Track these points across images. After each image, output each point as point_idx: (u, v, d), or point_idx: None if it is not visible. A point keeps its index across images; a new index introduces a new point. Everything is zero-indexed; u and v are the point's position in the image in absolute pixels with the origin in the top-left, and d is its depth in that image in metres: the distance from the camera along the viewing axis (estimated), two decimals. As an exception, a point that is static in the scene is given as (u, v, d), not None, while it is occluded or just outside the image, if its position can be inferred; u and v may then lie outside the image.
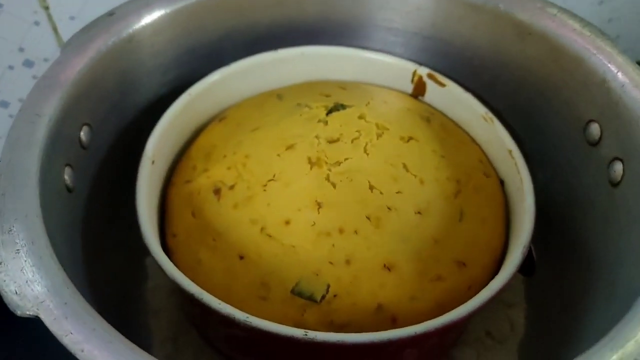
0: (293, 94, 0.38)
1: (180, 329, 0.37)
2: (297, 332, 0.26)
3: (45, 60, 0.45)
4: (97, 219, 0.33)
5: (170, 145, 0.36)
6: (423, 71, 0.40)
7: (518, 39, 0.37)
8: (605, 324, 0.31)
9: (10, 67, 0.45)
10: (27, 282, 0.22)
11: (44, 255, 0.23)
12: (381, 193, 0.31)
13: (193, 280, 0.31)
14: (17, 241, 0.23)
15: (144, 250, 0.31)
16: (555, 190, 0.38)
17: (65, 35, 0.45)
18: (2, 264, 0.22)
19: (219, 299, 0.30)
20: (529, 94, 0.38)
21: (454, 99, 0.39)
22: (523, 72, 0.38)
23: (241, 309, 0.29)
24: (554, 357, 0.36)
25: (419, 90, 0.41)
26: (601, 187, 0.33)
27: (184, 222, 0.33)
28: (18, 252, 0.23)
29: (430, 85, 0.40)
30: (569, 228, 0.36)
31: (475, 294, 0.31)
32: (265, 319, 0.29)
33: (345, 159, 0.32)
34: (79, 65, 0.32)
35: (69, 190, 0.30)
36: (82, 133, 0.32)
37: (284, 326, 0.26)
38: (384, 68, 0.41)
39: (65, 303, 0.21)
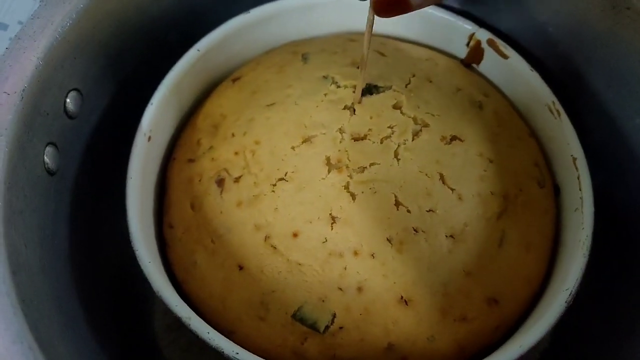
0: (320, 56, 0.32)
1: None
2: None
3: (20, 23, 0.39)
4: (86, 205, 0.29)
5: (172, 114, 0.31)
6: (483, 36, 0.33)
7: (611, 12, 0.29)
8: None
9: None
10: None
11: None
12: (409, 211, 0.26)
13: (187, 283, 0.28)
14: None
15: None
16: (618, 195, 0.32)
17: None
18: None
19: (214, 310, 0.27)
20: (611, 81, 0.31)
21: (515, 76, 0.32)
22: (608, 54, 0.30)
23: (237, 327, 0.26)
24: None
25: (474, 57, 0.34)
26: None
27: (182, 213, 0.29)
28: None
29: (489, 53, 0.33)
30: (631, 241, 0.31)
31: (502, 335, 0.27)
32: (262, 343, 0.26)
33: (371, 164, 0.26)
34: (61, 17, 0.26)
35: (50, 173, 0.27)
36: (68, 100, 0.28)
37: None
38: (436, 25, 0.34)
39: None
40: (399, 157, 0.27)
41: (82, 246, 0.28)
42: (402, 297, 0.25)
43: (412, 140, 0.27)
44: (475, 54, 0.34)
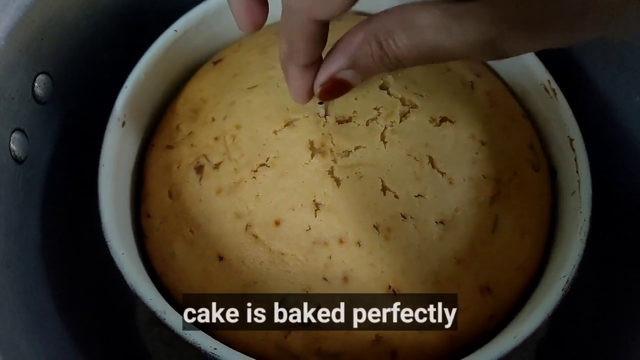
0: (305, 36, 0.30)
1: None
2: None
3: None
4: (59, 195, 0.28)
5: (148, 99, 0.30)
6: (475, 13, 0.31)
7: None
8: None
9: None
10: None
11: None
12: (396, 197, 0.25)
13: (165, 275, 0.27)
14: None
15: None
16: (617, 178, 0.31)
17: None
18: None
19: (193, 304, 0.26)
20: (608, 57, 0.30)
21: (509, 55, 0.31)
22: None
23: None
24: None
25: (466, 36, 0.32)
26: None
27: (160, 202, 0.27)
28: None
29: (481, 31, 0.32)
30: (630, 226, 0.30)
31: (496, 325, 0.26)
32: (244, 337, 0.25)
33: (356, 148, 0.25)
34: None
35: (18, 161, 0.25)
36: (37, 84, 0.26)
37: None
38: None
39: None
40: (385, 140, 0.25)
41: (55, 238, 0.27)
42: (390, 286, 0.24)
43: (400, 122, 0.26)
44: (467, 32, 0.32)
